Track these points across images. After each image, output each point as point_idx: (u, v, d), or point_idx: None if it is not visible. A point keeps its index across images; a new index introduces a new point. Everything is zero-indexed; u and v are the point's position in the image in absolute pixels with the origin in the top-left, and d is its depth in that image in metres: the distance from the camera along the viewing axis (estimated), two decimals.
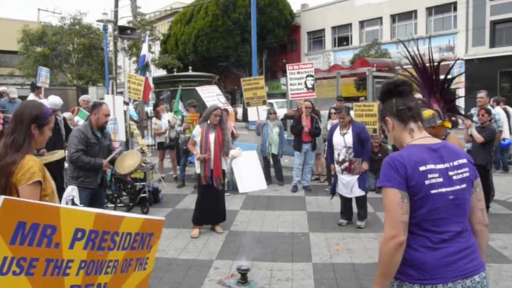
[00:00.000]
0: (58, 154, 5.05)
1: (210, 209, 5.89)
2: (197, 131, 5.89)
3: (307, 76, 8.88)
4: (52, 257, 1.53)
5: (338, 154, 6.11)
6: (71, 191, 3.25)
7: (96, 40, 25.19)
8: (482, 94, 7.23)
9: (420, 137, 1.98)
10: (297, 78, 8.92)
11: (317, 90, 9.68)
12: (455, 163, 1.92)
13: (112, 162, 5.03)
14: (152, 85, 17.60)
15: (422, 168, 1.85)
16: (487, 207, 6.67)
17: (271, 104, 13.59)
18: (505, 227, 5.96)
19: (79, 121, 7.64)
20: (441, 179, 1.86)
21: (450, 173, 1.89)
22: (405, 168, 1.86)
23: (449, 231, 1.86)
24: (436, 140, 1.99)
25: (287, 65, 9.30)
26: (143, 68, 9.20)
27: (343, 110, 6.22)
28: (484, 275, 1.88)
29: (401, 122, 2.02)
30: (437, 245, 1.84)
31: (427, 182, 1.84)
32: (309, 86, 8.82)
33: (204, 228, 6.01)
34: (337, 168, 6.16)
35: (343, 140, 6.06)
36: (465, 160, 1.96)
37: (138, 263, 1.88)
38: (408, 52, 3.48)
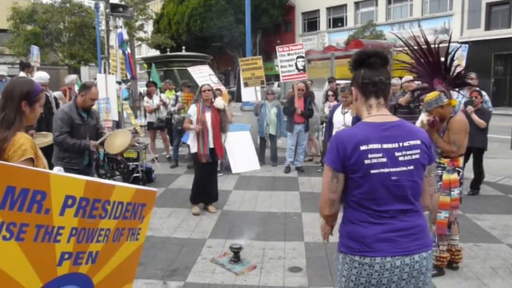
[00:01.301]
0: (51, 139, 4.98)
1: (206, 189, 5.94)
2: (192, 110, 5.85)
3: (298, 57, 8.79)
4: (43, 223, 1.53)
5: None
6: (57, 172, 3.23)
7: (87, 18, 24.76)
8: (472, 76, 7.23)
9: (375, 114, 1.95)
10: (287, 60, 8.83)
11: (312, 71, 9.64)
12: (406, 144, 1.89)
13: (102, 143, 4.91)
14: (145, 65, 17.36)
15: (363, 148, 1.84)
16: (478, 189, 6.75)
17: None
18: (494, 208, 6.04)
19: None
20: (384, 159, 1.85)
21: (397, 153, 1.87)
22: (345, 147, 1.86)
23: (390, 210, 1.87)
24: (390, 118, 1.95)
25: (277, 47, 9.20)
26: (123, 45, 9.05)
27: (347, 89, 6.22)
28: (425, 255, 1.90)
29: (363, 95, 1.99)
30: (376, 221, 1.88)
31: (366, 161, 1.84)
32: (300, 67, 8.75)
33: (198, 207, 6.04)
34: None
35: (343, 119, 6.10)
36: (418, 142, 1.91)
37: (130, 233, 1.88)
38: (408, 46, 3.47)
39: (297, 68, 8.74)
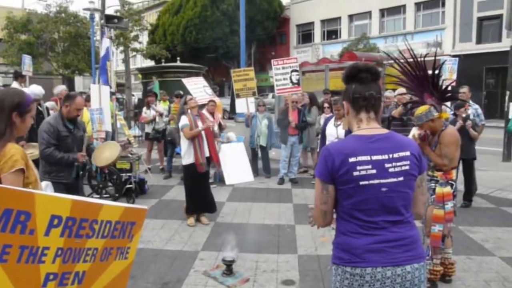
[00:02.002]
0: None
1: (203, 198, 5.94)
2: (184, 120, 5.80)
3: (292, 71, 8.80)
4: (27, 244, 1.50)
5: None
6: (45, 187, 3.16)
7: (82, 29, 24.77)
8: (464, 89, 7.29)
9: (365, 127, 1.99)
10: (282, 74, 8.83)
11: (306, 83, 9.66)
12: (395, 155, 1.91)
13: (90, 154, 4.80)
14: (139, 75, 17.32)
15: (351, 160, 1.88)
16: (470, 200, 6.78)
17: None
18: (486, 221, 6.06)
19: None
20: (374, 171, 1.87)
21: (387, 165, 1.89)
22: (333, 160, 1.90)
23: (381, 221, 1.89)
24: (380, 131, 1.98)
25: (272, 60, 9.25)
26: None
27: (339, 102, 6.25)
28: (417, 266, 1.90)
29: (354, 110, 2.02)
30: (367, 232, 1.90)
31: (355, 173, 1.87)
32: (294, 81, 8.75)
33: None
34: None
35: (335, 131, 6.10)
36: (408, 153, 1.93)
37: (119, 252, 1.85)
38: (395, 60, 3.50)
39: (291, 81, 8.75)
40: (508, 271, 4.36)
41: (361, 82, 1.99)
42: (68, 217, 1.59)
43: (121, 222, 1.79)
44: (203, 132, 5.83)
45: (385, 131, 2.00)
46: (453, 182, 3.96)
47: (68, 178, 4.46)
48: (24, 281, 1.53)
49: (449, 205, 3.87)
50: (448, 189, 3.88)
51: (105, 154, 4.86)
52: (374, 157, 1.89)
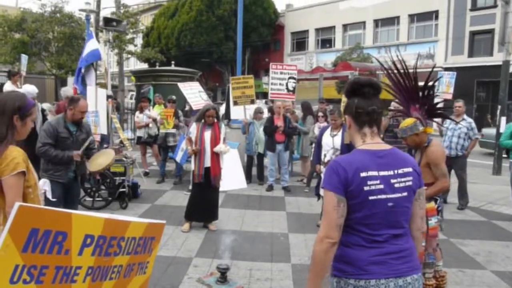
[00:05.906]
0: None
1: (202, 207, 5.89)
2: (193, 127, 5.89)
3: (290, 77, 8.83)
4: (62, 264, 1.53)
5: (325, 155, 6.14)
6: (43, 184, 3.17)
7: (77, 29, 24.67)
8: (460, 103, 7.36)
9: (370, 142, 2.01)
10: (279, 78, 8.84)
11: (299, 91, 9.71)
12: (400, 171, 1.95)
13: (88, 156, 4.86)
14: (133, 78, 17.26)
15: (362, 174, 1.89)
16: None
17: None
18: (478, 234, 6.12)
19: None
20: (382, 186, 1.90)
21: (393, 180, 1.93)
22: (346, 172, 1.90)
23: (384, 234, 1.92)
24: (384, 146, 2.02)
25: (271, 63, 9.27)
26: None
27: (336, 112, 6.26)
28: (416, 277, 1.95)
29: (357, 124, 2.04)
30: (370, 244, 1.92)
31: (366, 188, 1.89)
32: (290, 88, 8.76)
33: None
34: (322, 168, 6.19)
35: (332, 141, 6.08)
36: (410, 169, 1.98)
37: (140, 267, 1.88)
38: (386, 69, 3.50)
39: (287, 88, 8.76)
40: (500, 285, 4.41)
41: (363, 97, 2.02)
42: (100, 236, 1.62)
43: (143, 238, 1.83)
44: (207, 143, 5.79)
45: (388, 146, 2.04)
46: (437, 198, 3.90)
47: (64, 177, 4.54)
48: None
49: (432, 221, 3.79)
50: (431, 204, 3.81)
51: (99, 160, 4.91)
52: (382, 173, 1.92)
